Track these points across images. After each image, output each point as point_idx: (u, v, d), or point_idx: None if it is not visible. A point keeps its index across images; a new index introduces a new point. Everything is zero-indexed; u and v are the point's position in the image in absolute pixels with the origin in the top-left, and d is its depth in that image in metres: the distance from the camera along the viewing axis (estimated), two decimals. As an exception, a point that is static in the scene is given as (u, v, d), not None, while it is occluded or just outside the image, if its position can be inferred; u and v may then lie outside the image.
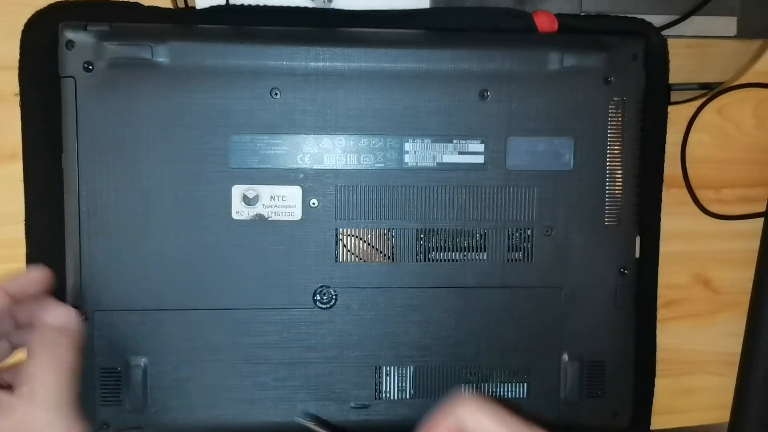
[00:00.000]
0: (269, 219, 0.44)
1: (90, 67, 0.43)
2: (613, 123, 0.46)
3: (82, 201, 0.43)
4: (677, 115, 0.49)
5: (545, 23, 0.47)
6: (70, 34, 0.43)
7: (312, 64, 0.44)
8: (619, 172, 0.46)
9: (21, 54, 0.42)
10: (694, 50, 0.50)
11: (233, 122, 0.44)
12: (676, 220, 0.48)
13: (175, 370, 0.44)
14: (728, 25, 0.49)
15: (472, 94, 0.45)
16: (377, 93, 0.45)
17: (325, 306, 0.45)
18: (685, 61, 0.48)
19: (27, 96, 0.43)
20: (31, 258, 0.43)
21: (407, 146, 0.45)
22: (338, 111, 0.44)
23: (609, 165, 0.46)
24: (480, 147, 0.46)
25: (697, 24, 0.48)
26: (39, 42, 0.42)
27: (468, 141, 0.46)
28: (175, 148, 0.43)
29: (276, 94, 0.44)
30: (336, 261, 0.45)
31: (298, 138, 0.43)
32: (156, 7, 0.47)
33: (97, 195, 0.43)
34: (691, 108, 0.49)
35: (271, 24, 0.46)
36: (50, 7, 0.43)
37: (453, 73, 0.45)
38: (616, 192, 0.46)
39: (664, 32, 0.46)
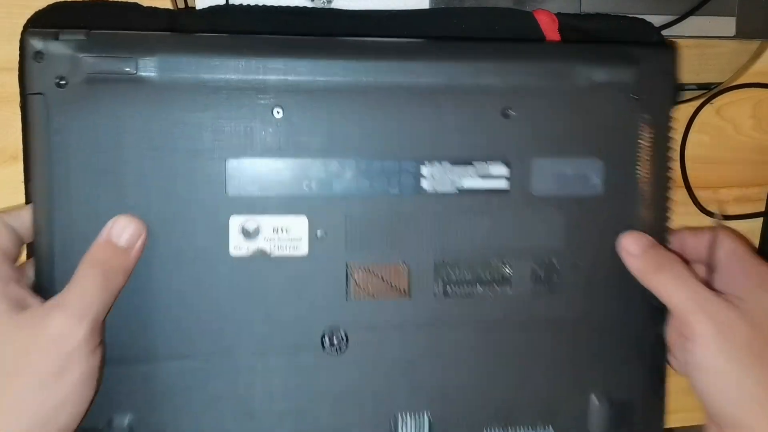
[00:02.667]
0: (272, 255, 0.41)
1: (63, 82, 0.39)
2: (643, 142, 0.45)
3: (56, 237, 0.39)
4: (676, 116, 0.48)
5: (546, 22, 0.46)
6: (38, 44, 0.39)
7: (319, 78, 0.41)
8: (650, 195, 0.45)
9: (21, 55, 0.39)
10: (693, 51, 0.50)
11: (230, 144, 0.41)
12: (675, 220, 0.47)
13: (167, 427, 0.41)
14: (727, 25, 0.49)
15: (495, 111, 0.43)
16: (391, 111, 0.42)
17: (334, 349, 0.42)
18: (684, 62, 0.49)
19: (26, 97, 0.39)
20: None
21: (424, 170, 0.43)
22: (348, 131, 0.41)
23: (640, 188, 0.45)
24: (503, 170, 0.44)
25: (695, 24, 0.49)
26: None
27: (490, 163, 0.44)
28: (165, 175, 0.40)
29: (278, 112, 0.41)
30: (346, 299, 0.42)
31: (303, 162, 0.40)
32: (155, 8, 0.43)
33: (73, 230, 0.39)
34: (690, 108, 0.50)
35: (271, 24, 0.43)
36: (49, 8, 0.41)
37: (474, 88, 0.43)
38: (647, 218, 0.45)
39: (663, 32, 0.47)
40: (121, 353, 0.39)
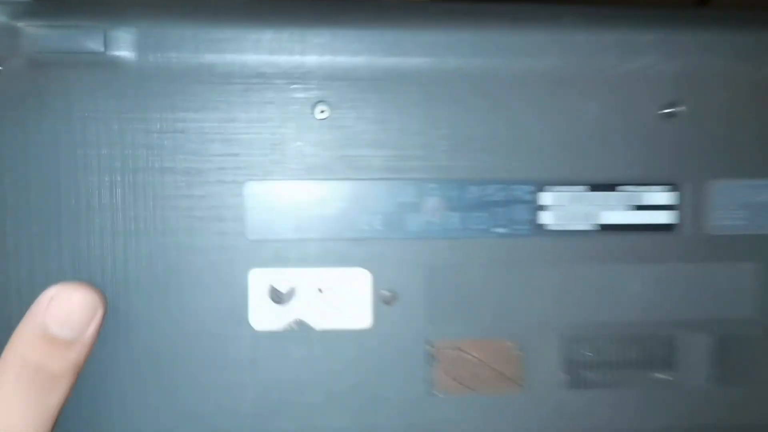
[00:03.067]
0: (316, 328, 0.27)
1: (-4, 66, 0.25)
2: None
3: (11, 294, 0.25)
4: None
5: None
6: (-42, 10, 0.25)
7: (383, 59, 0.27)
8: None
9: None
10: None
11: (250, 161, 0.27)
12: None
13: None
14: None
15: (653, 108, 0.28)
16: (492, 108, 0.27)
17: (411, 470, 0.28)
18: None
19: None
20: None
21: (545, 197, 0.28)
22: (428, 140, 0.27)
23: None
24: (666, 197, 0.29)
25: None
26: None
27: (646, 188, 0.28)
28: (151, 208, 0.26)
29: (322, 111, 0.27)
30: (430, 393, 0.28)
31: (360, 187, 0.26)
32: None
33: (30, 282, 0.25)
34: None
35: None
36: None
37: (619, 73, 0.28)
38: None
39: None
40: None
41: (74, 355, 0.24)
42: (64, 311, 0.23)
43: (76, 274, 0.26)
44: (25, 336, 0.23)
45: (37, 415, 0.22)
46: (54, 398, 0.23)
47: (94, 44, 0.26)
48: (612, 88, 0.28)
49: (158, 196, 0.26)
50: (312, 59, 0.27)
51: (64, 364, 0.23)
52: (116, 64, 0.26)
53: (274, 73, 0.27)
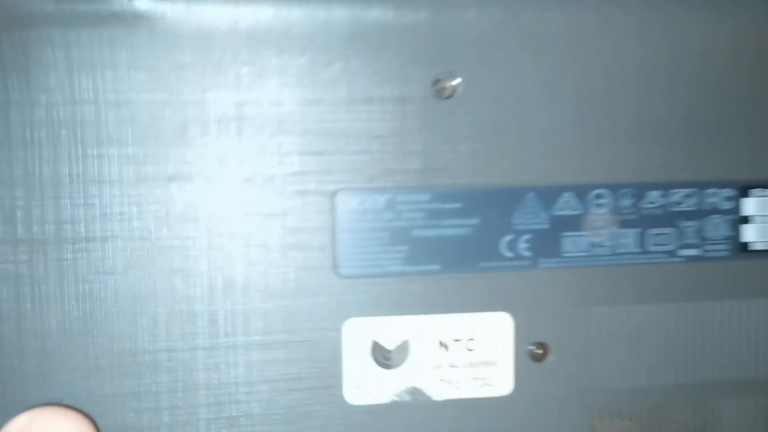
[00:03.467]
0: (437, 399, 0.18)
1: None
2: None
3: None
4: None
5: None
6: None
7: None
8: None
9: None
10: None
11: (342, 162, 0.18)
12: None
13: None
14: None
15: None
16: (680, 85, 0.19)
17: None
18: None
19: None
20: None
21: (748, 206, 0.20)
22: (586, 128, 0.18)
23: None
24: None
25: None
26: None
27: None
28: (194, 229, 0.17)
29: (450, 86, 0.18)
30: (588, 482, 0.20)
31: (495, 194, 0.17)
32: None
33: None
34: None
35: None
36: None
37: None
38: None
39: None
40: None
41: None
42: None
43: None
44: None
45: None
46: None
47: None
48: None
49: (201, 205, 0.18)
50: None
51: None
52: (139, 18, 0.17)
53: (373, 23, 0.18)
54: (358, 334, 0.19)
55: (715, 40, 0.20)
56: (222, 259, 0.18)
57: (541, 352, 0.20)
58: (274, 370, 0.19)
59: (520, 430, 0.20)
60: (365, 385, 0.19)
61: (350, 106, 0.19)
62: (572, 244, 0.20)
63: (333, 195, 0.19)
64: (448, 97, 0.19)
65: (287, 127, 0.18)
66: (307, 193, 0.19)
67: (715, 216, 0.20)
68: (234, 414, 0.19)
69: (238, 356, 0.19)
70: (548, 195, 0.20)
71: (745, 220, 0.20)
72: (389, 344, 0.19)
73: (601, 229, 0.20)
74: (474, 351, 0.20)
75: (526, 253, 0.20)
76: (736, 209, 0.20)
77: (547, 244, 0.20)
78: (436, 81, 0.19)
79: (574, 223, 0.20)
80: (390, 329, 0.19)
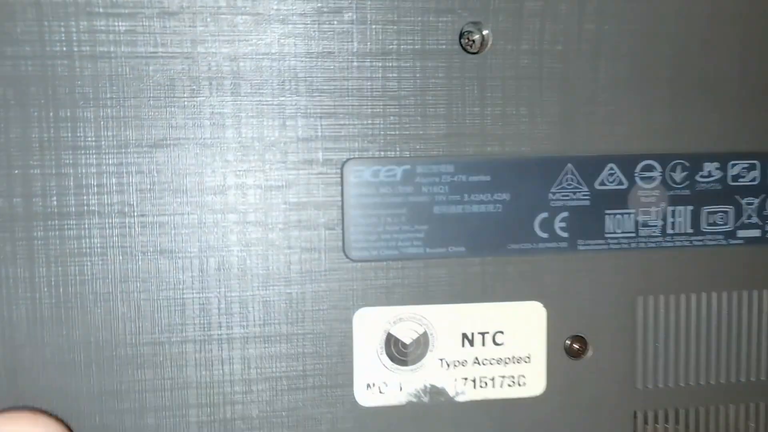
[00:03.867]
0: (460, 399, 0.16)
1: None
2: None
3: None
4: None
5: None
6: None
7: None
8: None
9: None
10: None
11: (352, 133, 0.15)
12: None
13: None
14: None
15: None
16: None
17: None
18: None
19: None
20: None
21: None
22: (634, 85, 0.16)
23: None
24: None
25: None
26: None
27: None
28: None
29: (467, 34, 0.16)
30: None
31: (527, 163, 0.15)
32: None
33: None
34: None
35: None
36: None
37: None
38: None
39: None
40: None
41: None
42: None
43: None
44: None
45: None
46: None
47: None
48: None
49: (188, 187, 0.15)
50: None
51: None
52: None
53: None
54: (371, 325, 0.17)
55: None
56: (215, 238, 0.16)
57: (578, 347, 0.17)
58: (274, 367, 0.17)
59: (557, 433, 0.18)
60: (378, 384, 0.17)
61: (363, 62, 0.16)
62: (616, 223, 0.17)
63: (343, 165, 0.16)
64: (477, 52, 0.16)
65: (290, 85, 0.16)
66: (313, 163, 0.16)
67: (780, 192, 0.18)
68: (229, 416, 0.16)
69: (233, 350, 0.16)
70: (589, 167, 0.17)
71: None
72: (406, 337, 0.17)
73: (649, 207, 0.17)
74: (502, 345, 0.17)
75: (563, 234, 0.17)
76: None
77: (587, 223, 0.17)
78: (463, 33, 0.16)
79: (618, 199, 0.17)
80: (407, 320, 0.17)
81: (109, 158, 0.16)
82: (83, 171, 0.16)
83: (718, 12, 0.17)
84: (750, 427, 0.19)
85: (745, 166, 0.18)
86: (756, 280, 0.18)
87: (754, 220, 0.18)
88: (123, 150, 0.16)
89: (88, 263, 0.16)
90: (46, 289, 0.16)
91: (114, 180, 0.16)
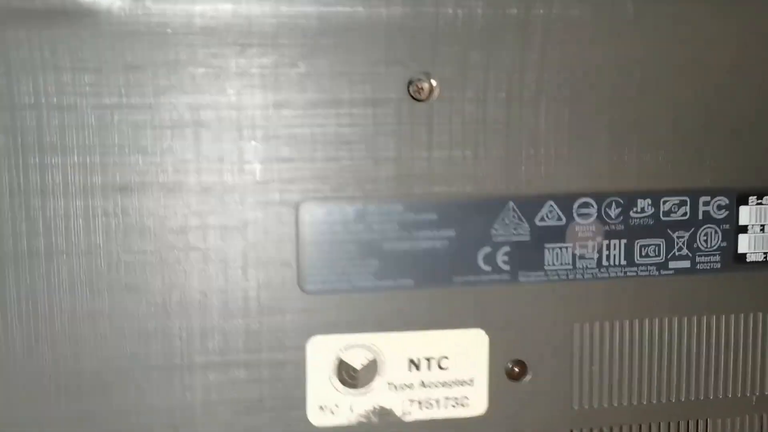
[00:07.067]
0: (407, 419, 0.19)
1: None
2: None
3: None
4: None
5: None
6: None
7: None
8: None
9: None
10: None
11: (305, 175, 0.18)
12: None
13: None
14: None
15: None
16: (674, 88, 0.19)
17: None
18: None
19: None
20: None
21: (744, 215, 0.20)
22: (571, 131, 0.18)
23: None
24: None
25: None
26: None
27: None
28: (155, 242, 0.17)
29: (422, 86, 0.18)
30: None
31: (470, 205, 0.17)
32: None
33: None
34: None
35: None
36: None
37: None
38: None
39: None
40: None
41: None
42: None
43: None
44: None
45: None
46: None
47: None
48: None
49: (157, 223, 0.18)
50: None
51: None
52: (95, 14, 0.17)
53: (333, 23, 0.18)
54: (324, 352, 0.19)
55: (709, 43, 0.20)
56: (177, 275, 0.18)
57: (518, 370, 0.20)
58: (233, 392, 0.19)
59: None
60: (330, 406, 0.19)
61: (317, 110, 0.18)
62: (555, 256, 0.20)
63: (297, 205, 0.18)
64: (424, 100, 0.19)
65: (248, 132, 0.18)
66: (270, 204, 0.18)
67: (708, 226, 0.20)
68: None
69: (194, 377, 0.19)
70: (530, 204, 0.19)
71: (741, 230, 0.21)
72: (356, 362, 0.19)
73: (586, 241, 0.20)
74: (447, 370, 0.20)
75: (505, 267, 0.20)
76: (731, 218, 0.20)
77: (527, 256, 0.20)
78: (411, 82, 0.18)
79: (557, 234, 0.20)
80: (357, 347, 0.19)
81: (76, 201, 0.18)
82: (51, 214, 0.18)
83: (652, 60, 0.19)
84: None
85: (676, 202, 0.20)
86: (685, 307, 0.21)
87: (684, 252, 0.20)
88: (89, 194, 0.18)
89: (56, 299, 0.18)
90: (17, 322, 0.18)
91: (81, 222, 0.18)
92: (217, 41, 0.18)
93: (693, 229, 0.20)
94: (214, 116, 0.18)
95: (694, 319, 0.21)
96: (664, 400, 0.21)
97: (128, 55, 0.17)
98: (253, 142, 0.18)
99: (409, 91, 0.18)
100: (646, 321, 0.20)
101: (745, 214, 0.21)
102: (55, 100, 0.17)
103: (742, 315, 0.21)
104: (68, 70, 0.17)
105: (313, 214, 0.18)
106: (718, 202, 0.20)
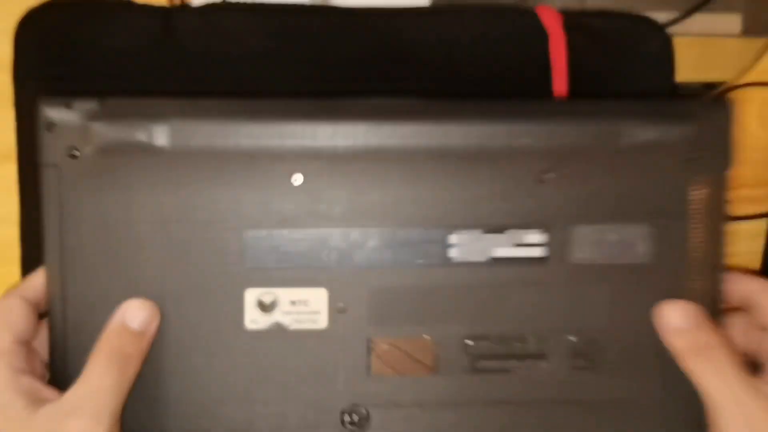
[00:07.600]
0: (290, 328, 0.43)
1: (76, 153, 0.41)
2: (695, 206, 0.45)
3: (69, 314, 0.41)
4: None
5: (549, 19, 0.48)
6: (51, 113, 0.41)
7: (340, 143, 0.43)
8: (702, 264, 0.45)
9: (14, 54, 0.44)
10: (697, 49, 0.51)
11: (247, 214, 0.42)
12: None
13: None
14: (733, 22, 0.52)
15: (530, 175, 0.44)
16: (417, 176, 0.42)
17: (355, 428, 0.44)
18: (688, 60, 0.50)
19: (20, 96, 0.44)
20: (27, 260, 0.45)
21: (453, 239, 0.44)
22: (371, 198, 0.42)
23: (691, 256, 0.45)
24: (540, 237, 0.44)
25: (701, 21, 0.51)
26: (33, 41, 0.44)
27: (526, 231, 0.44)
28: (180, 247, 0.41)
29: (297, 179, 0.43)
30: (368, 374, 0.43)
31: (322, 232, 0.42)
32: (149, 5, 0.46)
33: (88, 306, 0.41)
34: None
35: (267, 21, 0.46)
36: (43, 6, 0.45)
37: (507, 150, 0.43)
38: (699, 289, 0.45)
39: (668, 29, 0.49)
40: (134, 432, 0.41)
41: (142, 344, 0.38)
42: (134, 311, 0.39)
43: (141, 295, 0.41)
44: (111, 329, 0.38)
45: (118, 387, 0.37)
46: (129, 372, 0.38)
47: (142, 136, 0.42)
48: (503, 162, 0.43)
49: (185, 237, 0.42)
50: (289, 143, 0.42)
51: (135, 348, 0.39)
52: (157, 150, 0.42)
53: (262, 153, 0.41)
54: (253, 296, 0.44)
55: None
56: (188, 257, 0.43)
57: (342, 307, 0.44)
58: (203, 318, 0.43)
59: (332, 347, 0.42)
60: (255, 319, 0.44)
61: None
62: (359, 256, 0.44)
63: (242, 231, 0.43)
64: None
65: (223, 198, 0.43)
66: (229, 230, 0.44)
67: (434, 243, 0.44)
68: None
69: (188, 307, 0.43)
70: (347, 233, 0.44)
71: (451, 246, 0.44)
72: (266, 300, 0.44)
73: (374, 249, 0.44)
74: (308, 306, 0.44)
75: (336, 259, 0.44)
76: (445, 240, 0.44)
77: (346, 256, 0.44)
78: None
79: (360, 245, 0.44)
80: (268, 294, 0.44)
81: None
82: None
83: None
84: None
85: (419, 232, 0.44)
86: (426, 285, 0.44)
87: (421, 256, 0.44)
88: None
89: None
90: None
91: None
92: None
93: (426, 245, 0.44)
94: None
95: (430, 290, 0.45)
96: None
97: None
98: None
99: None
100: (405, 288, 0.44)
101: (453, 238, 0.45)
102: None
103: (455, 289, 0.45)
104: None
105: (251, 235, 0.44)
106: (439, 232, 0.45)
